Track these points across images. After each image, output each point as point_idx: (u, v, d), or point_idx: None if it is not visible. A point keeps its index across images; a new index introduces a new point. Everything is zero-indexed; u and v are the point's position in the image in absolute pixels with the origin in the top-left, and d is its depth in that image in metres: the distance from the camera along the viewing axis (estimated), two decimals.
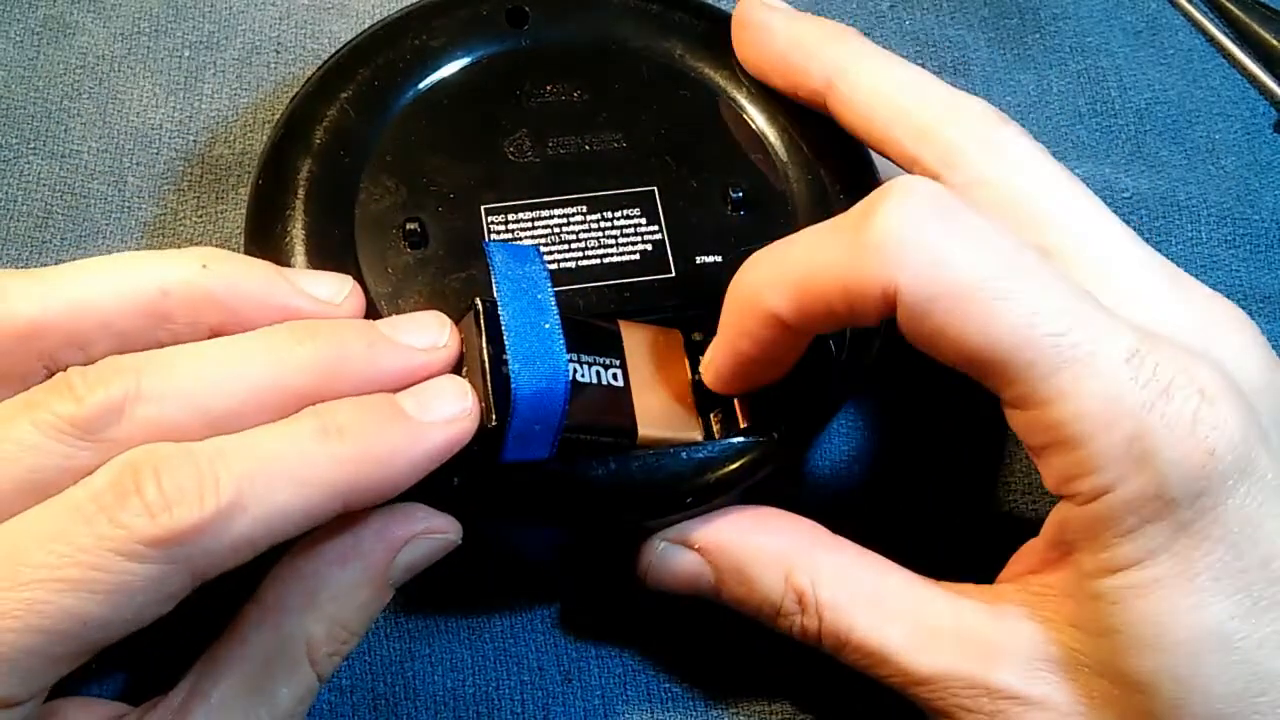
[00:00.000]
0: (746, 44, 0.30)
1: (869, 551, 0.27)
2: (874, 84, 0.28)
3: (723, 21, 0.31)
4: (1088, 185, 0.37)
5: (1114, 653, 0.23)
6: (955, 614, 0.26)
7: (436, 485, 0.25)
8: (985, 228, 0.23)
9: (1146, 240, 0.33)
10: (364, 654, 0.31)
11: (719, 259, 0.29)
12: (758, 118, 0.30)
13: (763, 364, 0.26)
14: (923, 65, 0.39)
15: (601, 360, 0.26)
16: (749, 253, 0.28)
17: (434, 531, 0.25)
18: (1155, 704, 0.23)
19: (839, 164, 0.30)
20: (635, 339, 0.27)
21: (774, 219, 0.29)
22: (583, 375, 0.25)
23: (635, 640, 0.31)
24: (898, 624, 0.26)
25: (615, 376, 0.26)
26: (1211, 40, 0.40)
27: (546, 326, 0.24)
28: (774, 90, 0.30)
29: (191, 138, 0.36)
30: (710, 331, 0.28)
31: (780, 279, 0.24)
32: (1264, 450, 0.23)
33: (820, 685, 0.31)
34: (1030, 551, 0.27)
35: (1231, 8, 0.40)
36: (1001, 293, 0.22)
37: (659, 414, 0.26)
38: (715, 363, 0.26)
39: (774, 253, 0.25)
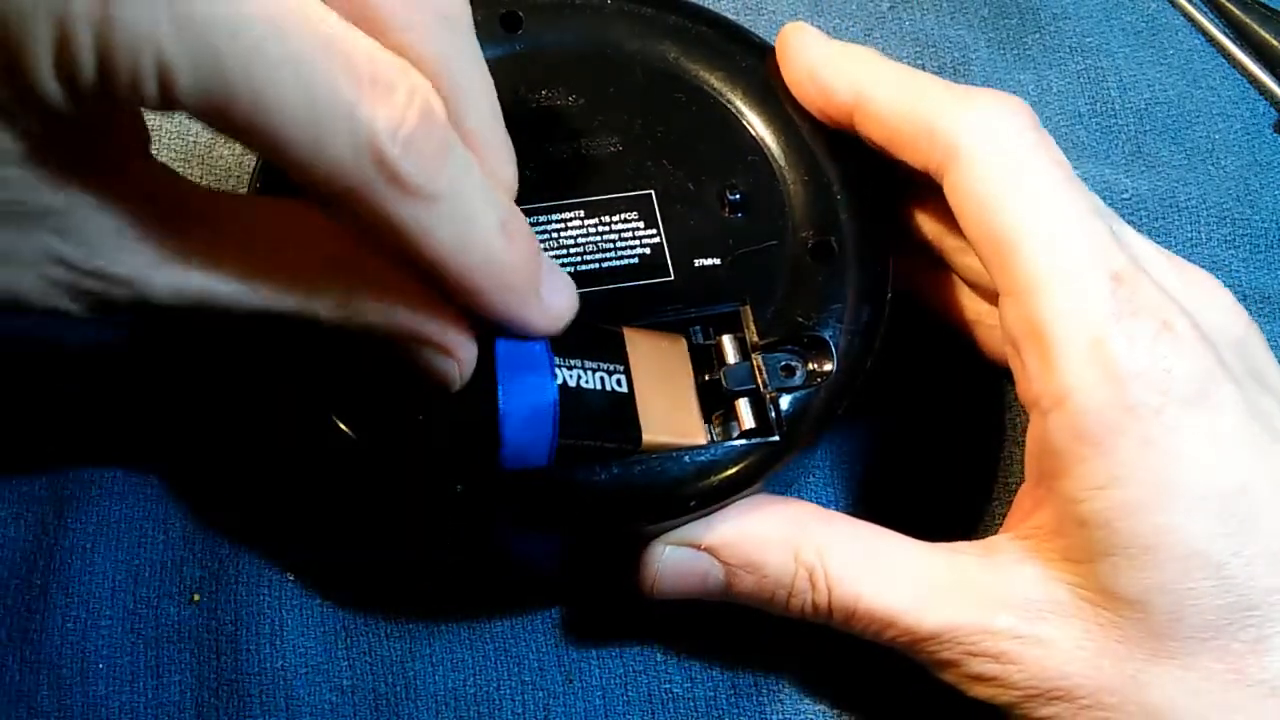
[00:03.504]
0: (785, 66, 0.30)
1: (861, 520, 0.28)
2: (893, 93, 0.28)
3: (717, 24, 0.31)
4: (1088, 185, 0.37)
5: (1109, 576, 0.24)
6: (954, 569, 0.27)
7: (440, 492, 0.26)
8: (1052, 145, 0.27)
9: None
10: (365, 654, 0.31)
11: (717, 261, 0.29)
12: (753, 120, 0.30)
13: None
14: (922, 66, 0.39)
15: (606, 367, 0.26)
16: (747, 255, 0.29)
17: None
18: (1151, 619, 0.24)
19: (836, 164, 0.30)
20: (639, 344, 0.27)
21: (771, 221, 0.29)
22: (587, 382, 0.25)
23: (636, 641, 0.32)
24: (899, 586, 0.26)
25: (619, 382, 0.26)
26: (1211, 40, 0.40)
27: (537, 349, 0.24)
28: (778, 98, 0.30)
29: (191, 139, 0.36)
30: (711, 333, 0.28)
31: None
32: (1230, 385, 0.25)
33: (820, 686, 0.31)
34: (1020, 499, 0.28)
35: (1231, 7, 0.40)
36: (1043, 187, 0.26)
37: (663, 419, 0.26)
38: None
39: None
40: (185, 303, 0.22)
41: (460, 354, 0.23)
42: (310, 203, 0.22)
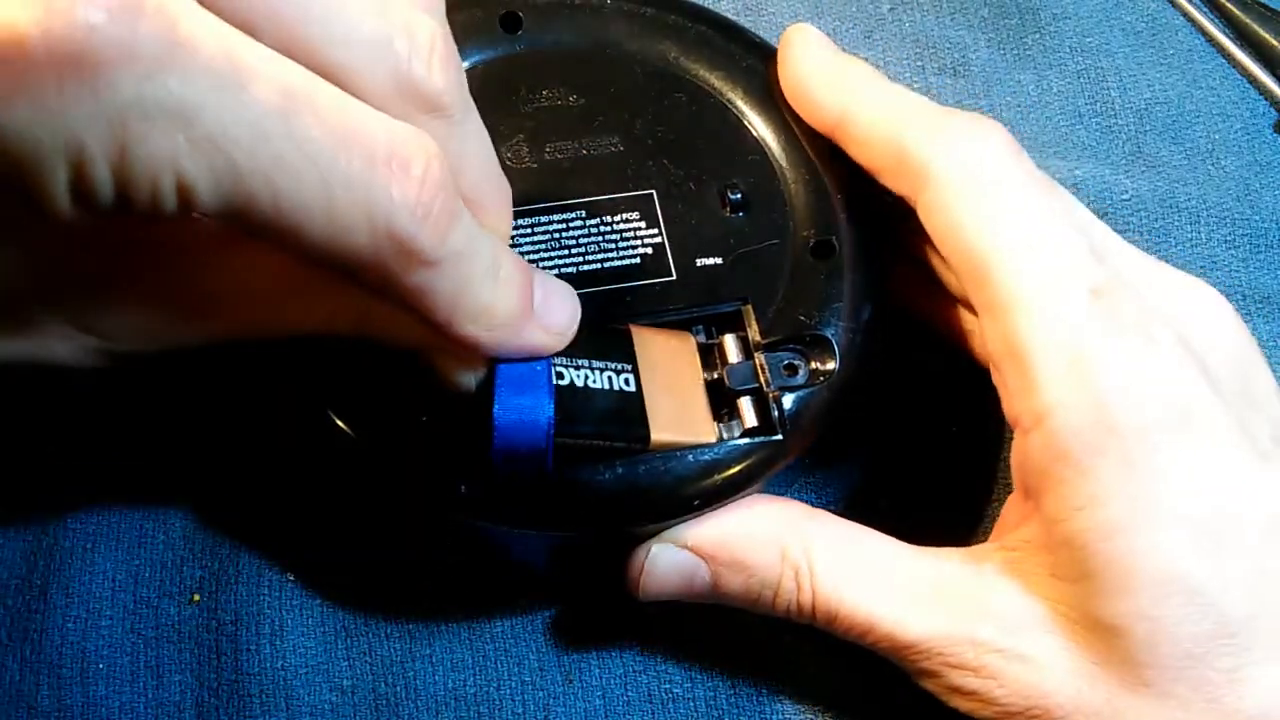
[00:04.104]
0: (781, 73, 0.30)
1: (849, 521, 0.28)
2: (873, 116, 0.28)
3: (716, 24, 0.31)
4: (1088, 186, 0.38)
5: (1088, 598, 0.24)
6: (938, 576, 0.26)
7: (439, 492, 0.26)
8: (1030, 166, 0.27)
9: (1146, 241, 0.34)
10: (365, 654, 0.31)
11: (719, 260, 0.29)
12: (754, 119, 0.30)
13: None
14: (922, 67, 0.39)
15: (613, 366, 0.26)
16: (749, 254, 0.29)
17: None
18: (1129, 646, 0.24)
19: (836, 163, 0.30)
20: (647, 342, 0.27)
21: (772, 220, 0.29)
22: (594, 381, 0.25)
23: (636, 641, 0.32)
24: (883, 591, 0.26)
25: (627, 381, 0.26)
26: (1211, 40, 0.40)
27: (538, 368, 0.24)
28: (779, 98, 0.30)
29: None
30: (714, 333, 0.28)
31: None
32: (1217, 404, 0.24)
33: (820, 686, 0.31)
34: (1008, 510, 0.28)
35: (1231, 7, 0.40)
36: (1014, 208, 0.25)
37: (672, 417, 0.26)
38: None
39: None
40: (214, 343, 0.22)
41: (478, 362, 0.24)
42: None
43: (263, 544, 0.32)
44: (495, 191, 0.24)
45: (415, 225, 0.20)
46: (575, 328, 0.25)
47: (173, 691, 0.31)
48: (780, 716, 0.31)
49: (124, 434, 0.33)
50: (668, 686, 0.31)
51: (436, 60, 0.21)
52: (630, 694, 0.31)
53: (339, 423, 0.26)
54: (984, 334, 0.26)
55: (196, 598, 0.32)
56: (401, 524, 0.32)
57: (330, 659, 0.31)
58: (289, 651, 0.31)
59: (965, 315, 0.31)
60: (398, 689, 0.31)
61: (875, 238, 0.29)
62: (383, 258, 0.20)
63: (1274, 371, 0.34)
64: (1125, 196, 0.37)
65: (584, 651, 0.31)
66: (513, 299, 0.23)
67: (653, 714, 0.31)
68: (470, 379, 0.24)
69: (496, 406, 0.24)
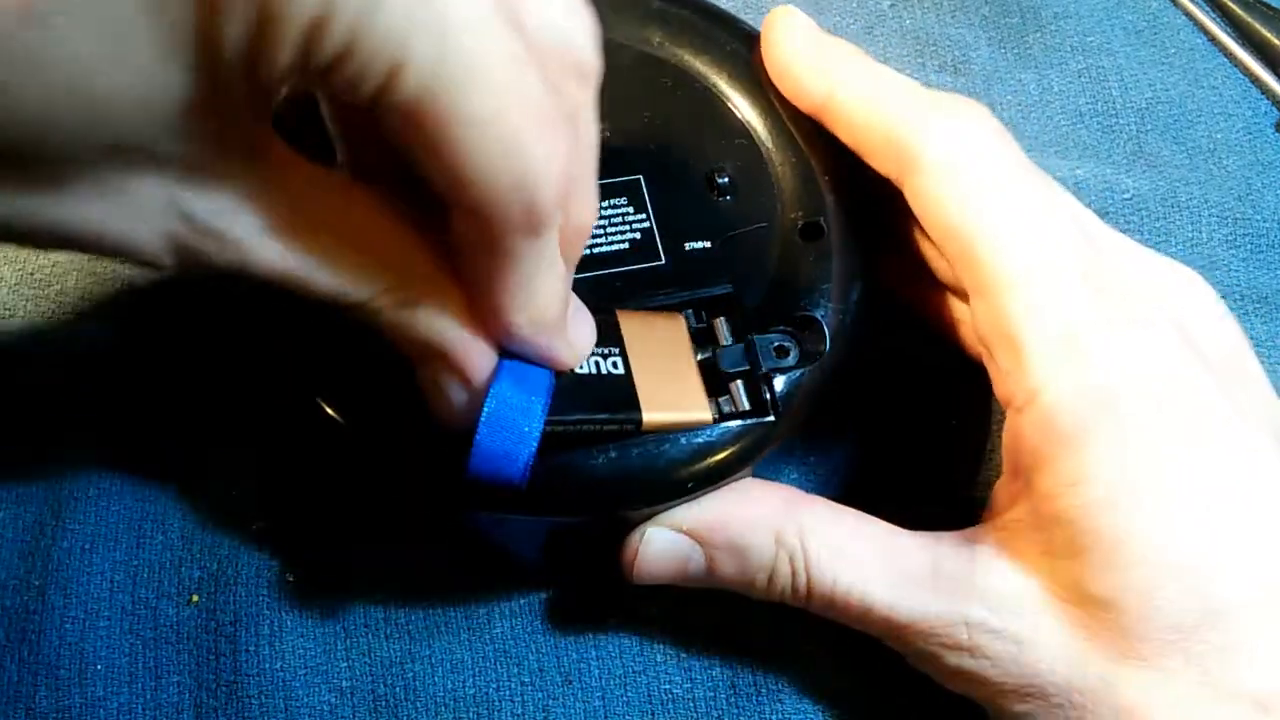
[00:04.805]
0: (765, 55, 0.30)
1: (844, 506, 0.28)
2: (860, 97, 0.28)
3: (700, 9, 0.31)
4: (1089, 185, 0.38)
5: (1080, 573, 0.24)
6: (931, 559, 0.26)
7: (436, 480, 0.25)
8: (1017, 150, 0.27)
9: (1147, 241, 0.34)
10: (364, 655, 0.31)
11: (708, 244, 0.29)
12: (739, 103, 0.30)
13: None
14: (923, 64, 0.39)
15: (600, 350, 0.26)
16: (737, 237, 0.28)
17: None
18: (1120, 619, 0.24)
19: (823, 145, 0.30)
20: (636, 326, 0.27)
21: (760, 203, 0.29)
22: (581, 367, 0.25)
23: (635, 642, 0.32)
24: (877, 575, 0.26)
25: (615, 364, 0.26)
26: (1213, 39, 0.40)
27: (526, 430, 0.23)
28: (764, 81, 0.30)
29: None
30: (705, 316, 0.28)
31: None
32: (1211, 385, 0.24)
33: (819, 686, 0.31)
34: (997, 491, 0.28)
35: (1233, 7, 0.40)
36: (1004, 190, 0.26)
37: (664, 398, 0.26)
38: None
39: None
40: (274, 276, 0.21)
41: (474, 374, 0.23)
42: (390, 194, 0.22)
43: (262, 544, 0.32)
44: (589, 187, 0.23)
45: (550, 187, 0.19)
46: (589, 351, 0.25)
47: (171, 692, 0.31)
48: (780, 716, 0.31)
49: (121, 434, 0.33)
50: (668, 686, 0.31)
51: (587, 27, 0.21)
52: (630, 694, 0.31)
53: (330, 411, 0.26)
54: (975, 315, 0.26)
55: (195, 598, 0.31)
56: (401, 523, 0.32)
57: (329, 660, 0.31)
58: (288, 652, 0.31)
59: (954, 304, 0.31)
60: (396, 690, 0.31)
61: (863, 219, 0.29)
62: (511, 208, 0.19)
63: (1274, 372, 0.34)
64: (1126, 196, 0.37)
65: (583, 652, 0.31)
66: (559, 299, 0.23)
67: (652, 714, 0.31)
68: (463, 396, 0.23)
69: (475, 451, 0.23)
